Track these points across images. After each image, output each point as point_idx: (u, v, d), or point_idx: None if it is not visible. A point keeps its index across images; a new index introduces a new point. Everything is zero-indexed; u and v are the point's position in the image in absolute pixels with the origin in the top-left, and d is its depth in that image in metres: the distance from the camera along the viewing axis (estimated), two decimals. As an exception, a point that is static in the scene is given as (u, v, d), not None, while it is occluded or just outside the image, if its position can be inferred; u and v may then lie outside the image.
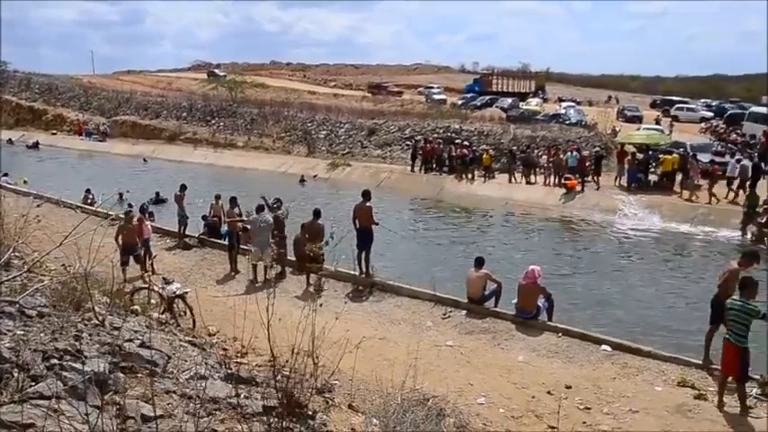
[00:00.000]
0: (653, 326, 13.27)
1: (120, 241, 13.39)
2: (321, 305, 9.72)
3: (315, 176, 33.86)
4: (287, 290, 12.88)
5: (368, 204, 13.40)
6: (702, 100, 70.40)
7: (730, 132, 40.02)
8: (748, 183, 23.53)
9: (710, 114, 52.45)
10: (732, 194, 24.41)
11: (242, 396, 4.91)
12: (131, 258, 13.59)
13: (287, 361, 5.82)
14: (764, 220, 21.33)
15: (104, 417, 3.59)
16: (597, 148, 29.99)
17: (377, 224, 13.54)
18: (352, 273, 13.47)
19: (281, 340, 5.39)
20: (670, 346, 10.85)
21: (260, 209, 13.97)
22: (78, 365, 4.23)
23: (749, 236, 21.42)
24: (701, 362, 9.42)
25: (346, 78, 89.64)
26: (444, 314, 11.68)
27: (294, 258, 14.15)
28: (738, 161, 25.20)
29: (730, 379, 8.08)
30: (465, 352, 9.86)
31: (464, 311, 11.74)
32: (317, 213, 13.81)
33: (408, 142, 35.78)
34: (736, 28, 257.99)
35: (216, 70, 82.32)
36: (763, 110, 43.89)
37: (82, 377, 4.00)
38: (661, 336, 12.36)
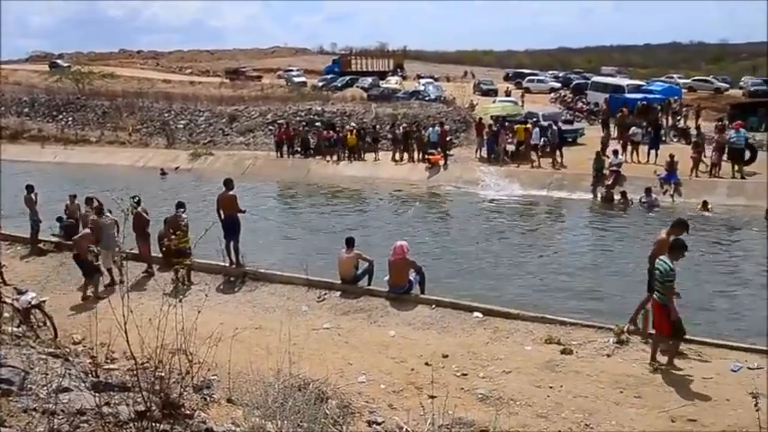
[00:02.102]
0: (523, 287, 14.08)
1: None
2: (192, 300, 9.46)
3: (176, 168, 32.68)
4: (155, 288, 12.40)
5: (231, 193, 13.13)
6: (550, 72, 74.43)
7: (577, 101, 42.65)
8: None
9: (558, 85, 55.62)
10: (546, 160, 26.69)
11: (112, 404, 4.71)
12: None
13: (160, 361, 5.63)
14: (611, 181, 23.12)
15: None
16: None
17: (243, 212, 13.30)
18: (222, 264, 13.17)
19: (153, 340, 5.20)
20: (537, 305, 11.59)
21: (99, 210, 13.27)
22: None
23: (599, 197, 23.11)
24: (563, 318, 10.09)
25: (202, 65, 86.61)
26: (319, 297, 11.71)
27: (160, 254, 13.64)
28: (543, 129, 27.24)
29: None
30: (342, 333, 9.95)
31: (338, 293, 11.83)
32: (180, 206, 13.36)
33: (271, 127, 35.27)
34: (576, 4, 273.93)
35: (58, 61, 76.54)
36: (603, 79, 47.13)
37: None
38: (528, 296, 13.10)
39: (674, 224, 9.09)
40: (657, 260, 8.34)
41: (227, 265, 13.17)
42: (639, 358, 8.58)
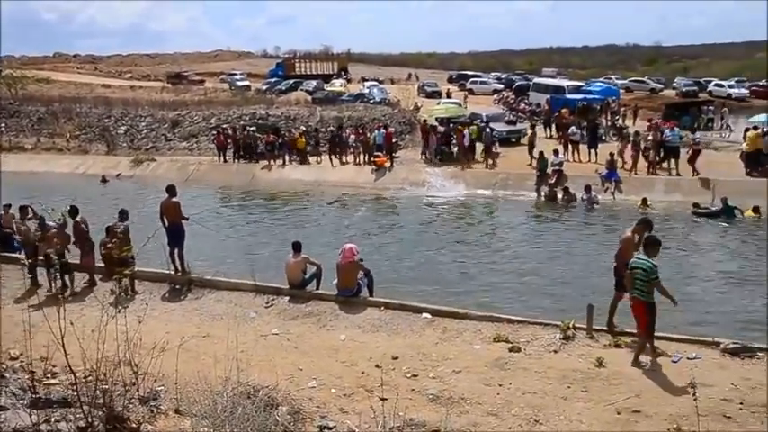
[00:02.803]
0: (471, 285, 14.27)
1: None
2: (136, 309, 9.23)
3: (118, 175, 31.91)
4: (97, 298, 12.04)
5: (174, 200, 12.87)
6: (493, 73, 75.66)
7: (519, 102, 43.41)
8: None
9: (501, 86, 56.53)
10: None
11: (52, 421, 4.55)
12: None
13: (103, 374, 5.48)
14: (553, 180, 23.61)
15: None
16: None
17: (186, 219, 13.05)
18: (167, 272, 12.91)
19: (95, 352, 5.06)
20: (485, 304, 11.74)
21: (42, 224, 12.87)
22: None
23: (542, 196, 23.58)
24: (511, 317, 10.22)
25: (142, 69, 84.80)
26: (267, 303, 11.58)
27: (103, 264, 13.27)
28: (482, 129, 27.99)
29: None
30: (291, 338, 9.85)
31: (287, 298, 11.71)
32: (122, 214, 13.02)
33: (215, 132, 34.77)
34: (514, 7, 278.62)
35: (-13, 64, 74.02)
36: (545, 81, 48.10)
37: None
38: (477, 296, 13.27)
39: (638, 223, 9.38)
40: (635, 260, 8.45)
41: (172, 272, 12.90)
42: (585, 353, 8.75)
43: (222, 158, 31.52)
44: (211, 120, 37.40)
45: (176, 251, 12.89)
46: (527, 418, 7.03)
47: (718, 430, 6.59)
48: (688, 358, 8.45)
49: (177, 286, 12.61)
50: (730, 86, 61.88)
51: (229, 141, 31.67)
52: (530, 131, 29.03)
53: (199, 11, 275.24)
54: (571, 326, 9.41)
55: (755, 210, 20.05)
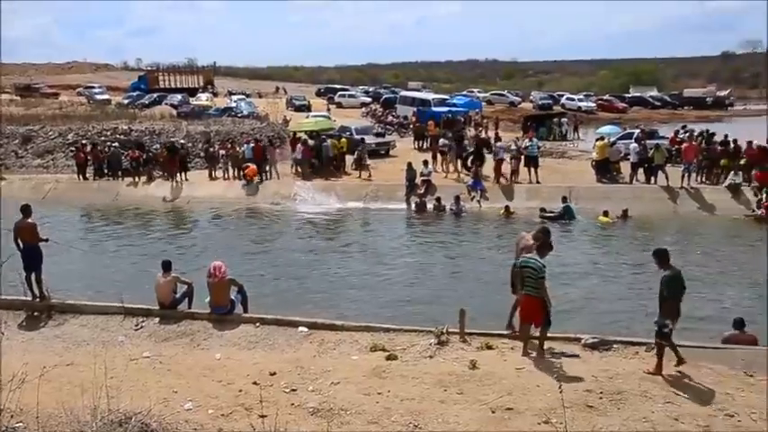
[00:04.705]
0: (347, 296, 14.44)
1: None
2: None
3: (-39, 196, 29.39)
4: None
5: (30, 221, 12.04)
6: (361, 87, 76.90)
7: (387, 115, 44.37)
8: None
9: (369, 100, 57.56)
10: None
11: None
12: None
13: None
14: (422, 191, 24.32)
15: None
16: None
17: (45, 240, 12.25)
18: (24, 298, 12.05)
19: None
20: (361, 315, 11.88)
21: None
22: None
23: (413, 206, 24.19)
24: (387, 325, 10.41)
25: (-16, 80, 78.79)
26: (137, 325, 11.09)
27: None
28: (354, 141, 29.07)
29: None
30: (164, 360, 9.50)
31: (157, 319, 11.27)
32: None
33: (73, 148, 32.80)
34: (384, 20, 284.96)
35: None
36: (411, 94, 49.48)
37: None
38: (352, 307, 13.40)
39: (538, 230, 9.97)
40: (526, 259, 9.08)
41: (30, 299, 12.06)
42: (459, 357, 9.05)
43: (82, 176, 29.83)
44: (69, 135, 35.24)
45: (33, 275, 12.05)
46: (406, 423, 7.17)
47: (582, 419, 7.05)
48: (564, 355, 9.00)
49: (36, 313, 11.81)
50: (580, 100, 66.79)
51: (90, 158, 30.03)
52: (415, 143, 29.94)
53: (49, 18, 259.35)
54: (445, 331, 9.70)
55: (606, 214, 21.58)
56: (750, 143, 24.15)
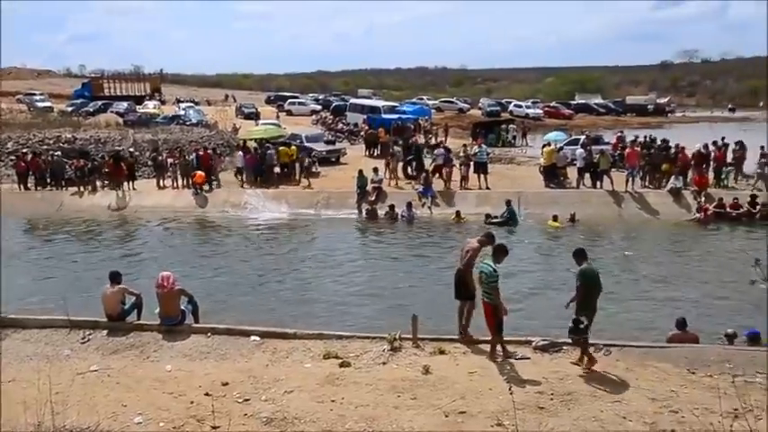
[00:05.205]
0: (299, 304, 14.38)
1: None
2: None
3: None
4: None
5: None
6: (311, 94, 76.76)
7: (337, 122, 44.35)
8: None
9: (319, 107, 57.46)
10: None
11: None
12: None
13: None
14: (374, 198, 24.37)
15: None
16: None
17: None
18: (-38, 314, 11.63)
19: None
20: (313, 323, 11.84)
21: None
22: None
23: (364, 213, 24.21)
24: (339, 333, 10.40)
25: None
26: (83, 338, 10.79)
27: None
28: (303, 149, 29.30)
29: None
30: (113, 373, 9.26)
31: (105, 331, 10.99)
32: None
33: (13, 157, 31.72)
34: (331, 29, 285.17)
35: None
36: (361, 101, 49.64)
37: None
38: (305, 312, 13.34)
39: (484, 235, 10.21)
40: (481, 264, 9.26)
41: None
42: (412, 362, 9.11)
43: (23, 186, 28.91)
44: (8, 144, 34.07)
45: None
46: (361, 430, 7.18)
47: (533, 420, 7.18)
48: (515, 358, 9.15)
49: (-25, 329, 11.40)
50: (528, 107, 68.06)
51: (31, 167, 29.12)
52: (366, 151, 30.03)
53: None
54: (398, 337, 9.75)
55: (555, 218, 22.02)
56: (683, 149, 25.18)
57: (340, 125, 43.18)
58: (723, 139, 26.16)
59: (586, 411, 7.43)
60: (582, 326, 8.56)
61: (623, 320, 12.85)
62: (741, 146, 25.94)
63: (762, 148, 24.91)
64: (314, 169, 28.38)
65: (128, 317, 11.29)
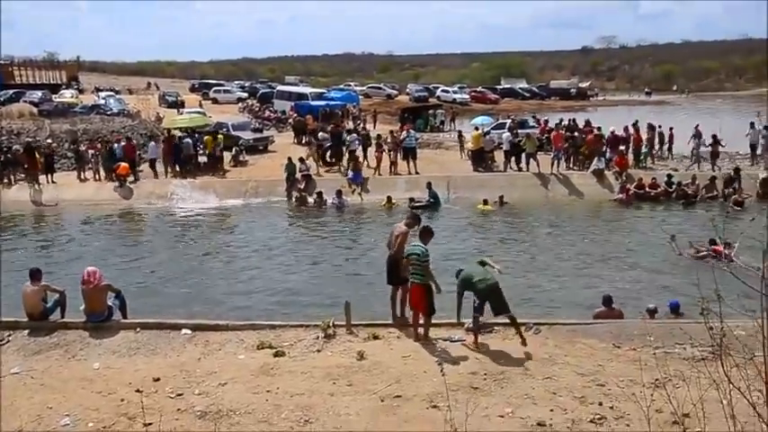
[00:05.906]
0: (231, 295, 14.20)
1: None
2: None
3: None
4: None
5: None
6: (237, 82, 75.51)
7: (264, 110, 43.78)
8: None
9: (245, 95, 56.61)
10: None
11: None
12: None
13: None
14: (303, 185, 24.26)
15: None
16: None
17: None
18: None
19: None
20: (246, 313, 11.70)
21: None
22: None
23: (293, 200, 24.09)
24: (272, 322, 10.32)
25: None
26: (2, 340, 10.32)
27: None
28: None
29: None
30: (36, 375, 8.89)
31: (26, 331, 10.53)
32: None
33: None
34: (253, 17, 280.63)
35: None
36: (288, 88, 49.18)
37: None
38: (237, 303, 13.17)
39: (409, 217, 10.42)
40: (411, 247, 9.37)
41: None
42: (347, 349, 9.12)
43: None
44: None
45: None
46: (297, 419, 7.15)
47: (466, 400, 7.31)
48: (452, 340, 9.32)
49: None
50: (455, 92, 68.83)
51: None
52: (295, 138, 29.59)
53: None
54: (331, 324, 9.74)
55: (485, 202, 22.39)
56: (590, 131, 26.55)
57: (267, 113, 42.62)
58: (636, 122, 27.34)
59: (518, 389, 7.62)
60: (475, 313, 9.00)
61: (556, 297, 13.43)
62: (651, 128, 27.17)
63: (695, 127, 26.15)
64: (241, 158, 27.91)
65: (50, 315, 10.86)
